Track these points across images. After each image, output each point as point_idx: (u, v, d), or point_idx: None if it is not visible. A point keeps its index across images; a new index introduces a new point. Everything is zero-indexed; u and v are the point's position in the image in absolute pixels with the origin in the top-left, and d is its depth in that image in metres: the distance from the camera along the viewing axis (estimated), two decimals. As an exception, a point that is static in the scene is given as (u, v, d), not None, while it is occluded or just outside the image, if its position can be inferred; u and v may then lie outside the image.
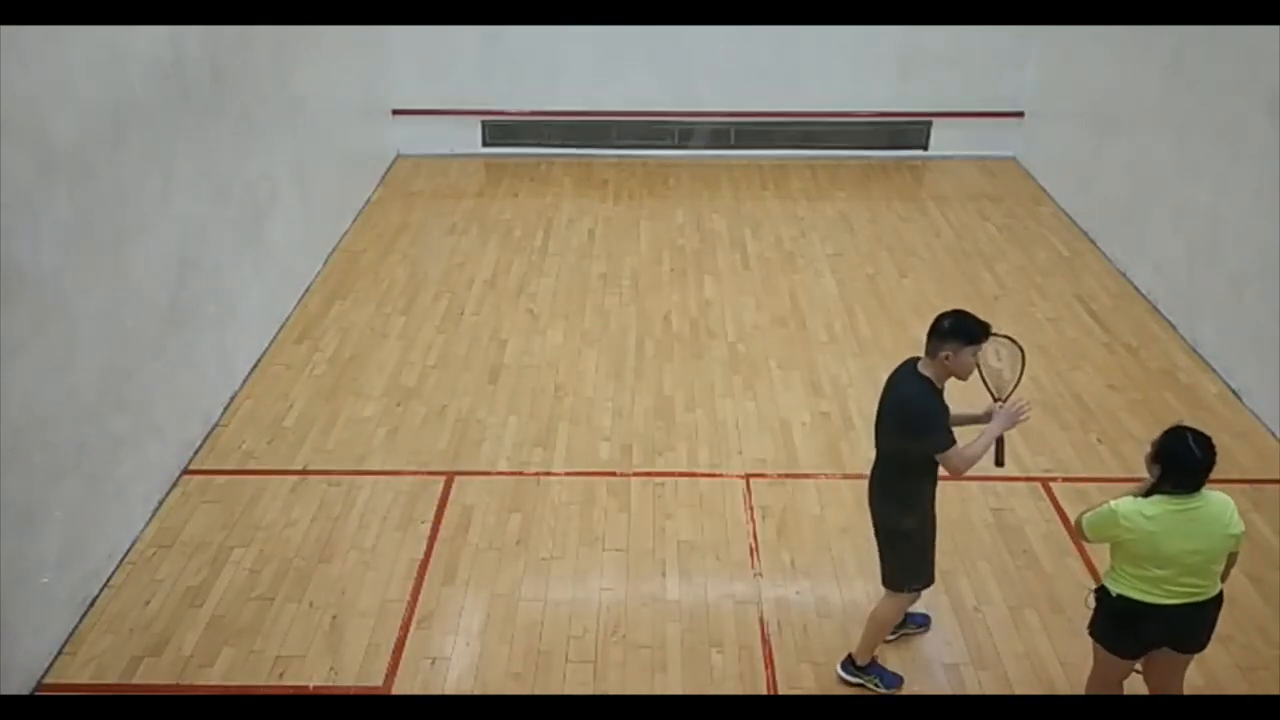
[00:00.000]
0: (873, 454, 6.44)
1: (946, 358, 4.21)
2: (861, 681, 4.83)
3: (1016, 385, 4.52)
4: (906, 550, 4.61)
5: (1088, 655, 4.97)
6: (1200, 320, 7.54)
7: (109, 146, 5.40)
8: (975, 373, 4.37)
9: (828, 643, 5.10)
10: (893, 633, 5.01)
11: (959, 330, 4.20)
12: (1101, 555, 5.60)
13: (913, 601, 4.82)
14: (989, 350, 4.45)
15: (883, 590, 4.71)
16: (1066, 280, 8.57)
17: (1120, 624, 4.13)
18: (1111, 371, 7.31)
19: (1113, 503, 3.97)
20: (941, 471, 4.45)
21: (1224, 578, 4.07)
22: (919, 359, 4.36)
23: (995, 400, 4.49)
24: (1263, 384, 6.77)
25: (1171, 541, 3.87)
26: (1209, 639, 4.18)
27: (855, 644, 4.86)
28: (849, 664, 4.86)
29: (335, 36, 8.96)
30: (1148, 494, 3.93)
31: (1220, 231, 7.30)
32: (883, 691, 4.80)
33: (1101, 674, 4.34)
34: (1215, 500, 3.93)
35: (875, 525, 4.66)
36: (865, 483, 5.69)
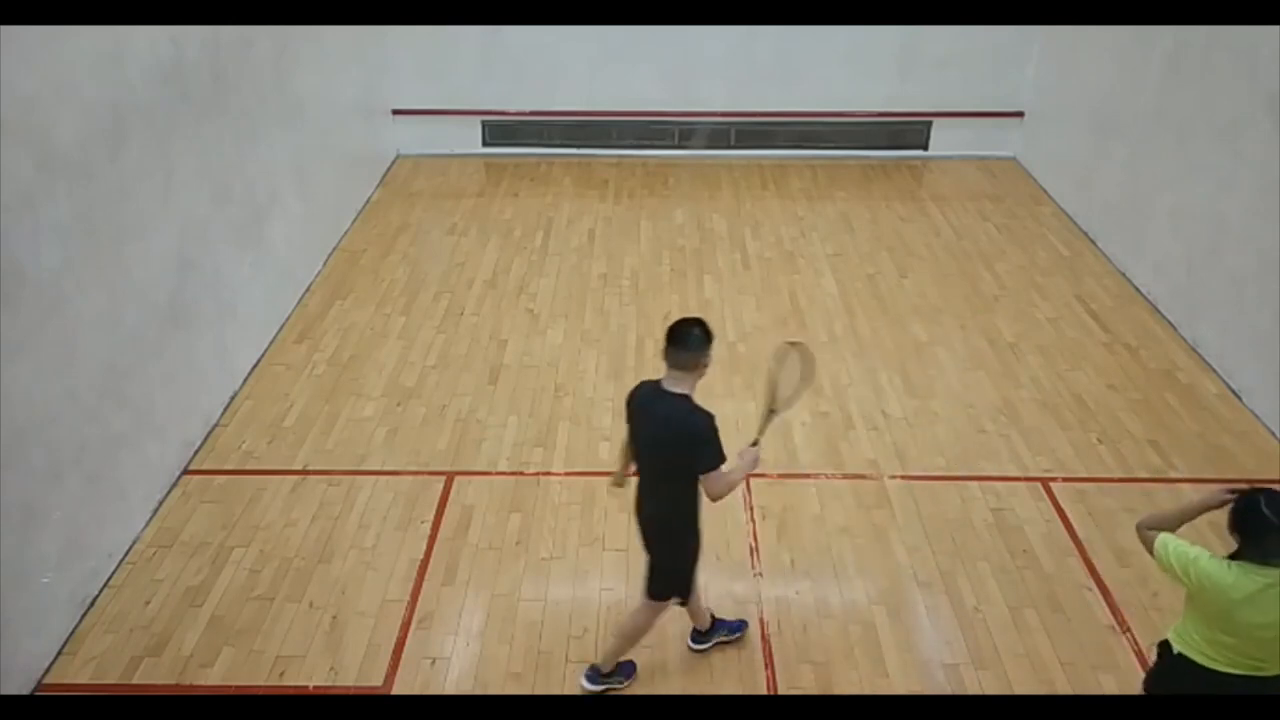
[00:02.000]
0: (872, 454, 6.46)
1: (704, 365, 4.20)
2: (607, 686, 4.81)
3: (773, 413, 4.57)
4: (682, 565, 4.62)
5: (1088, 655, 4.99)
6: (1200, 320, 7.54)
7: (109, 146, 5.40)
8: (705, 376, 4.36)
9: (828, 643, 5.10)
10: (704, 642, 4.99)
11: (708, 335, 4.18)
12: (1102, 555, 5.62)
13: (663, 611, 4.73)
14: (778, 358, 4.51)
15: (640, 599, 4.71)
16: (1066, 280, 8.57)
17: (1172, 683, 3.93)
18: (1111, 371, 7.31)
19: (1199, 551, 3.70)
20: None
21: None
22: (659, 381, 4.26)
23: (770, 411, 4.54)
24: (1263, 384, 6.77)
25: (1246, 612, 3.62)
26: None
27: (699, 617, 4.93)
28: (594, 674, 4.80)
29: (335, 36, 8.96)
30: (1232, 557, 3.67)
31: (1220, 231, 7.30)
32: (627, 685, 4.82)
33: None
34: None
35: (655, 539, 4.59)
36: (865, 483, 5.72)
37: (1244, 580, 3.59)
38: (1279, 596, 3.58)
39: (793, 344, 4.58)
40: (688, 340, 4.15)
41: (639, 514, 4.63)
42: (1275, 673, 3.75)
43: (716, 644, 5.04)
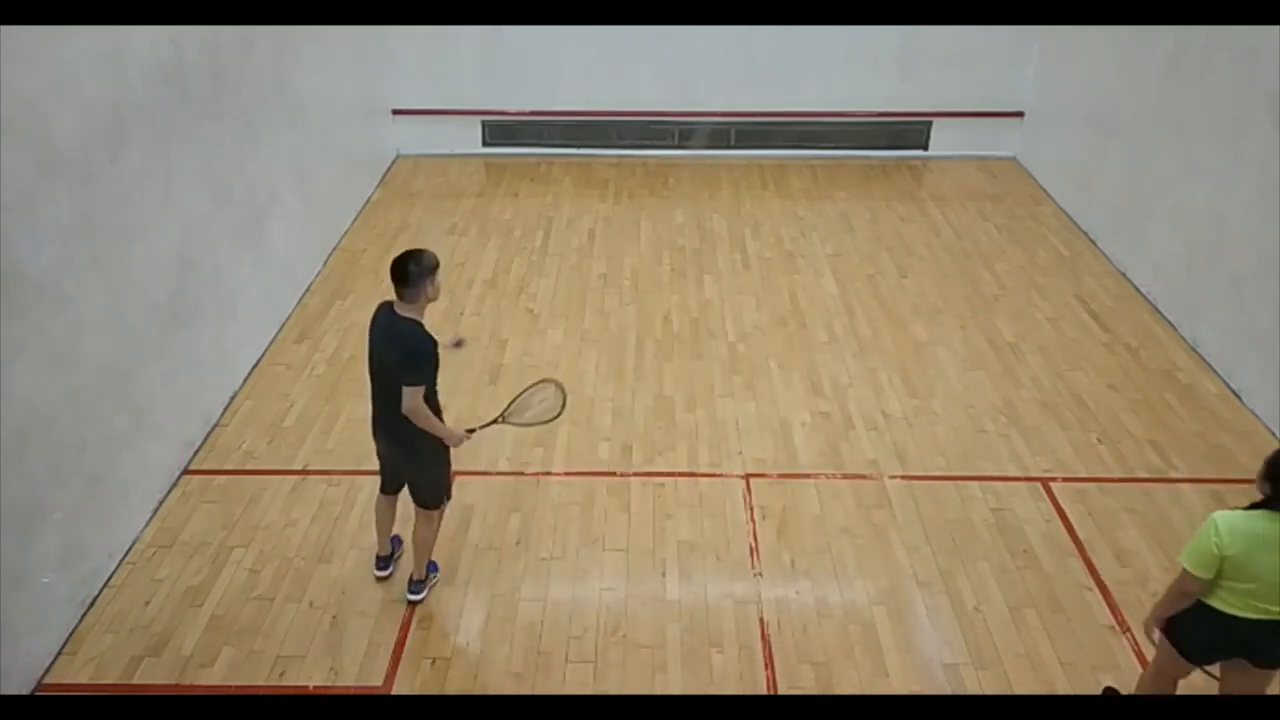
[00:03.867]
0: (872, 454, 6.46)
1: (429, 293, 4.67)
2: (427, 587, 5.33)
3: (501, 419, 5.15)
4: (437, 471, 5.10)
5: (1088, 655, 4.99)
6: (1200, 320, 7.54)
7: (109, 146, 5.40)
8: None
9: (828, 643, 5.10)
10: (384, 569, 5.46)
11: (432, 264, 4.65)
12: (1102, 555, 5.62)
13: (442, 517, 5.31)
14: (537, 386, 5.22)
15: (416, 514, 5.16)
16: (1066, 280, 8.57)
17: (1193, 626, 4.10)
18: (1111, 371, 7.31)
19: (1210, 521, 3.90)
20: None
21: None
22: (392, 303, 4.71)
23: (499, 418, 5.15)
24: (1263, 384, 6.77)
25: (1263, 556, 3.80)
26: None
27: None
28: (416, 585, 5.29)
29: (335, 36, 8.96)
30: (1253, 506, 3.87)
31: (1220, 231, 7.30)
32: (437, 577, 5.41)
33: (1158, 668, 4.35)
34: None
35: (404, 457, 5.02)
36: (865, 483, 5.72)
37: (1264, 525, 3.81)
38: None
39: (555, 383, 5.24)
40: (406, 274, 4.61)
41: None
42: None
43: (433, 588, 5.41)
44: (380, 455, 5.19)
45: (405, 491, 5.20)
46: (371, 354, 4.84)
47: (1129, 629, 5.15)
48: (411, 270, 4.58)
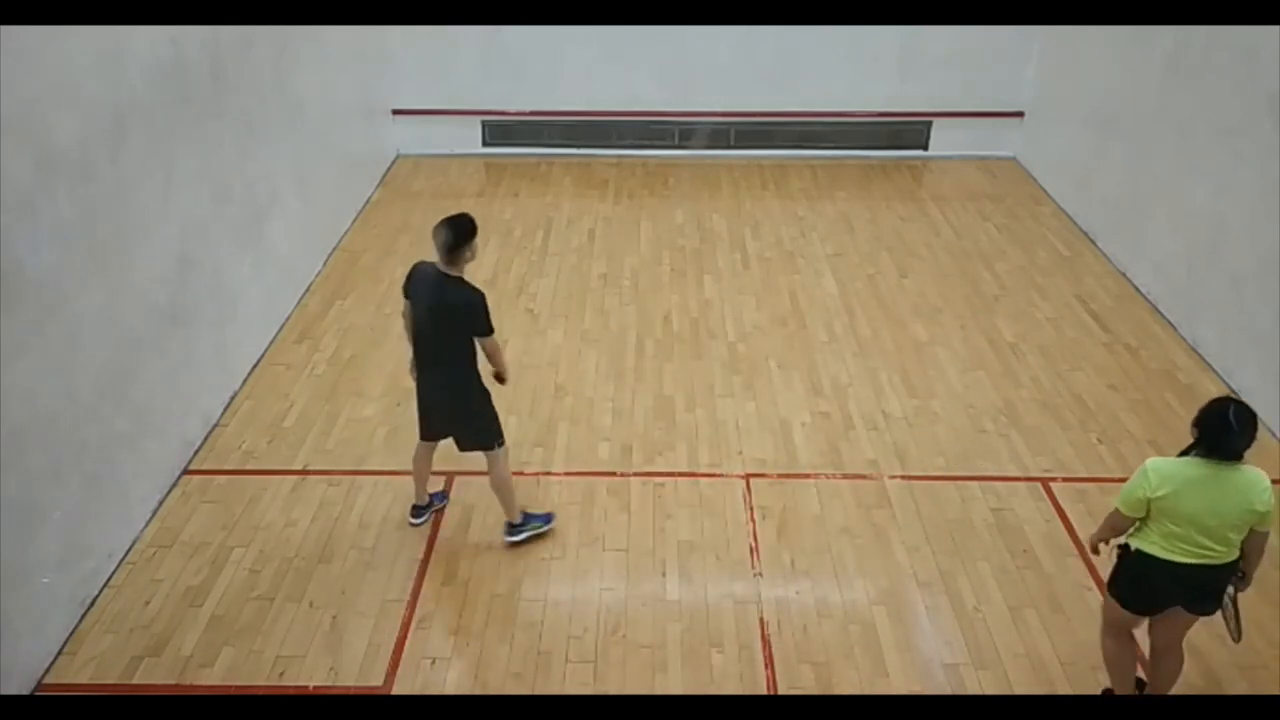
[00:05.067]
0: (872, 454, 6.46)
1: (467, 255, 5.09)
2: (528, 534, 5.65)
3: None
4: (492, 411, 5.42)
5: (1088, 655, 4.99)
6: (1200, 320, 7.54)
7: (109, 146, 5.40)
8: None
9: (828, 642, 5.10)
10: (419, 516, 5.81)
11: (471, 229, 5.12)
12: (1102, 555, 5.62)
13: (507, 455, 5.60)
14: None
15: (485, 458, 5.51)
16: (1066, 280, 8.57)
17: (1134, 579, 4.32)
18: (1111, 371, 7.31)
19: (1143, 466, 4.15)
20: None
21: (1250, 568, 4.24)
22: (433, 263, 5.11)
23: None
24: (1263, 384, 6.77)
25: (1192, 500, 4.03)
26: (1218, 605, 4.37)
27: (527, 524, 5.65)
28: (512, 529, 5.63)
29: (335, 37, 8.96)
30: (1181, 454, 4.11)
31: (1220, 231, 7.30)
32: (545, 529, 5.68)
33: (1107, 621, 4.55)
34: (1248, 473, 4.06)
35: (461, 404, 5.35)
36: (865, 483, 5.70)
37: (1190, 470, 4.05)
38: (1227, 485, 4.01)
39: None
40: (449, 239, 5.04)
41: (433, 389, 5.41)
42: (1228, 560, 4.16)
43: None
44: (426, 405, 5.47)
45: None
46: (418, 310, 5.16)
47: (1129, 629, 5.15)
48: (449, 238, 5.00)
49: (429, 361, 5.31)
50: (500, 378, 5.46)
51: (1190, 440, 4.12)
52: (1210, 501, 4.03)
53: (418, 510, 5.82)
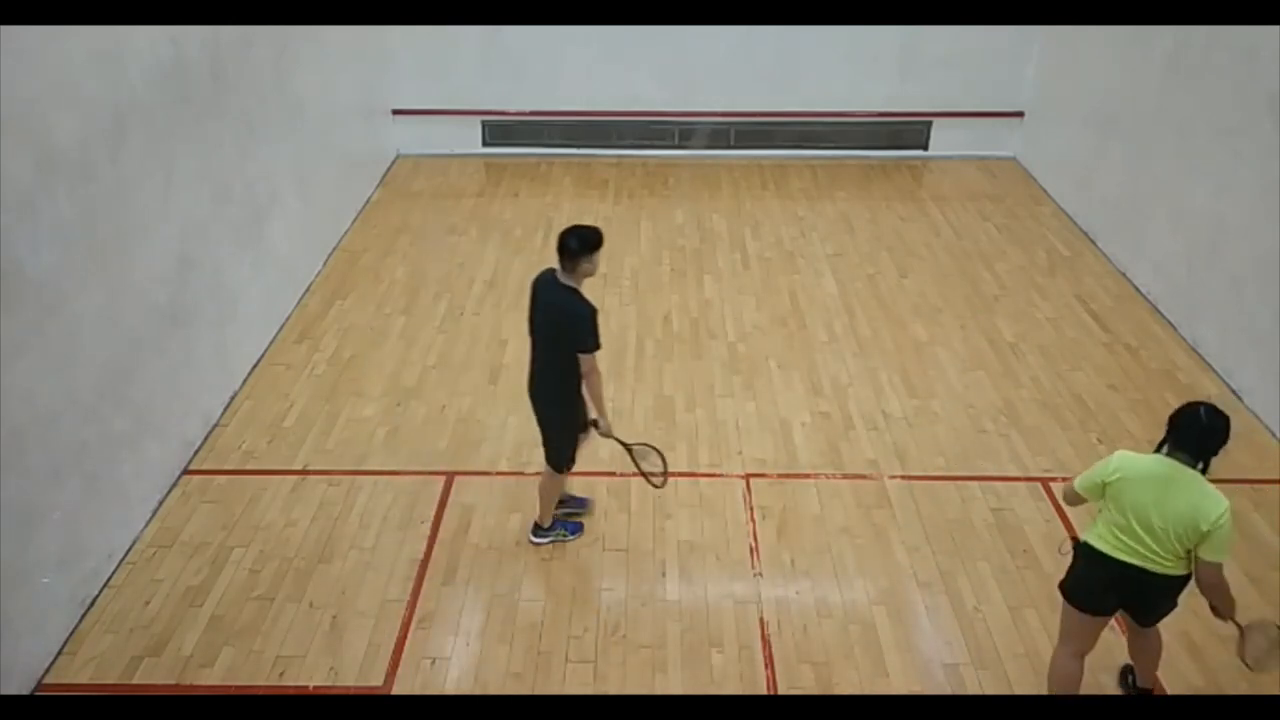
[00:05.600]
0: (872, 454, 6.46)
1: (586, 268, 4.98)
2: (552, 539, 5.67)
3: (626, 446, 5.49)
4: (566, 438, 5.39)
5: (1088, 655, 4.98)
6: (1200, 320, 7.54)
7: (109, 146, 5.40)
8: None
9: (828, 643, 5.10)
10: (569, 532, 5.72)
11: (594, 241, 4.97)
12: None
13: (563, 483, 5.63)
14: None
15: (547, 468, 5.51)
16: (1066, 280, 8.57)
17: (1078, 572, 4.34)
18: (1111, 371, 7.31)
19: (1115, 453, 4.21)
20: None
21: (1217, 605, 4.15)
22: (555, 270, 5.05)
23: (627, 446, 5.49)
24: (1263, 384, 6.77)
25: (1141, 491, 4.04)
26: (1158, 617, 4.36)
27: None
28: (538, 531, 5.65)
29: (335, 36, 8.96)
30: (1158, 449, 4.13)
31: (1220, 231, 7.30)
32: (572, 539, 5.68)
33: (1062, 627, 4.50)
34: (1209, 491, 3.97)
35: (545, 416, 5.36)
36: (865, 483, 5.64)
37: (1152, 465, 4.06)
38: (1181, 489, 3.96)
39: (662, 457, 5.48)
40: (567, 247, 4.94)
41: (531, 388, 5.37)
42: (1169, 572, 4.09)
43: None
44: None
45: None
46: (532, 315, 5.17)
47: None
48: (571, 245, 4.91)
49: (532, 368, 5.29)
50: (595, 424, 5.30)
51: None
52: (1158, 498, 4.00)
53: (572, 521, 5.79)
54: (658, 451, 5.48)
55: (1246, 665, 4.29)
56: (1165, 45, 8.05)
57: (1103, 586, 4.26)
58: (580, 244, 4.91)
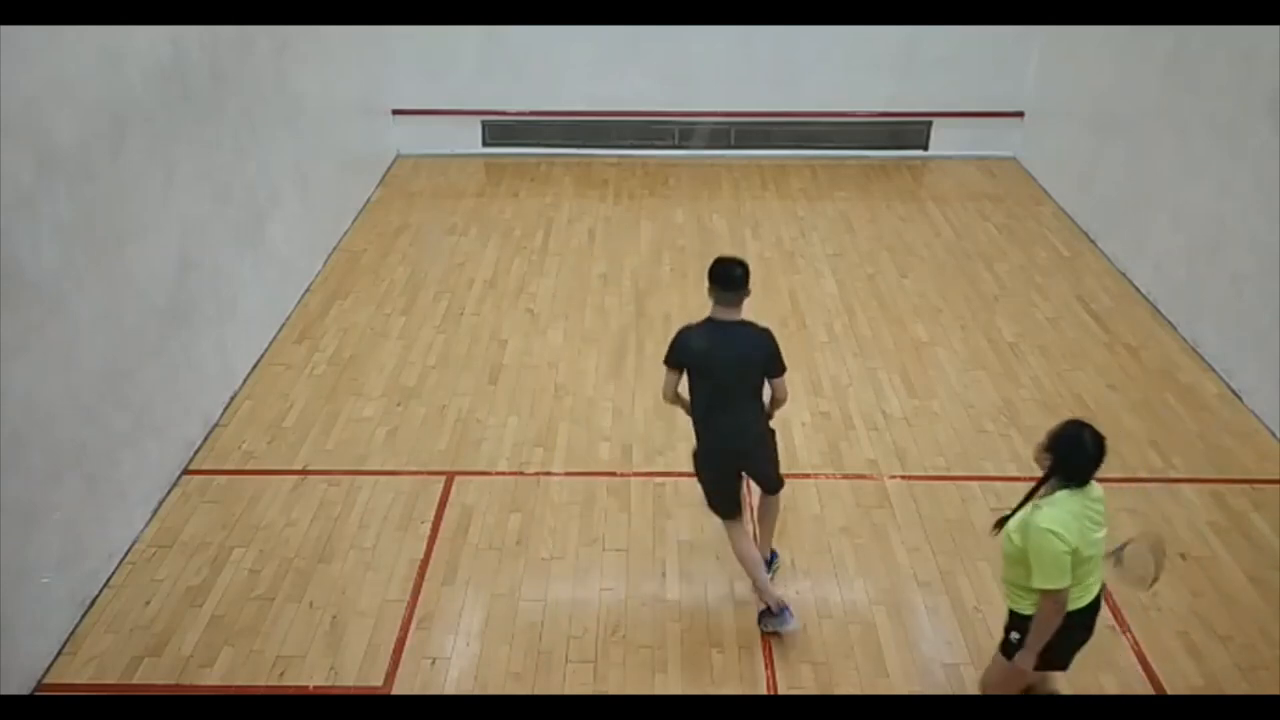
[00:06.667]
0: (872, 454, 6.46)
1: (747, 295, 4.79)
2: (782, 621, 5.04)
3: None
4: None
5: (1088, 655, 4.97)
6: (1200, 320, 7.54)
7: (109, 146, 5.40)
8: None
9: (828, 643, 5.10)
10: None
11: (748, 271, 4.80)
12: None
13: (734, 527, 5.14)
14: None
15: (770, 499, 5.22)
16: (1066, 280, 8.57)
17: (1060, 639, 3.93)
18: (1111, 371, 7.31)
19: (1038, 528, 3.75)
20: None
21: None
22: (710, 320, 4.81)
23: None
24: (1263, 384, 6.76)
25: (1090, 529, 3.81)
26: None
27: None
28: (783, 612, 5.04)
29: (335, 36, 8.96)
30: (1033, 491, 3.85)
31: (1220, 231, 7.30)
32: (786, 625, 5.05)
33: (1013, 685, 4.21)
34: (1094, 486, 3.87)
35: (765, 447, 5.03)
36: (865, 483, 5.62)
37: (1074, 503, 3.78)
38: (1090, 508, 3.80)
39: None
40: (735, 279, 4.75)
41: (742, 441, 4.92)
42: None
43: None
44: (729, 474, 5.05)
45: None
46: (712, 372, 4.78)
47: (1129, 629, 5.15)
48: (739, 274, 4.73)
49: (732, 420, 4.86)
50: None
51: (1044, 474, 3.89)
52: (1099, 527, 3.84)
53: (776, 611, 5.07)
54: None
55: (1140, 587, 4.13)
56: (1165, 45, 8.05)
57: (1080, 636, 4.04)
58: (744, 270, 4.75)
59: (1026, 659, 3.96)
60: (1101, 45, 9.14)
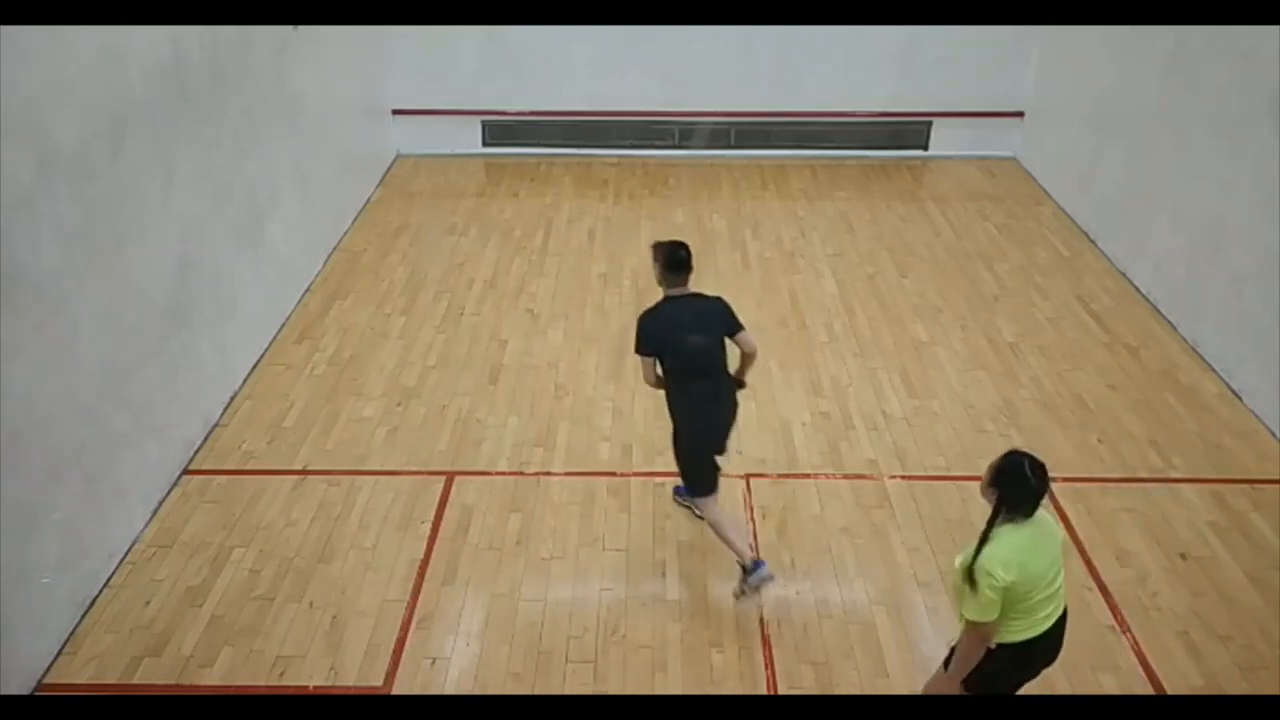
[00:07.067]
0: (872, 454, 6.46)
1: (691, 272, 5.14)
2: (760, 579, 5.13)
3: None
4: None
5: (1088, 655, 4.99)
6: (1200, 320, 7.54)
7: (109, 146, 5.40)
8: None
9: (828, 643, 5.10)
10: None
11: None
12: (1102, 555, 5.62)
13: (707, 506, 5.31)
14: None
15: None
16: (1066, 280, 8.57)
17: (1001, 673, 3.92)
18: (1111, 371, 7.31)
19: (978, 565, 3.68)
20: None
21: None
22: (672, 296, 5.15)
23: None
24: (1263, 384, 6.76)
25: (1036, 560, 3.74)
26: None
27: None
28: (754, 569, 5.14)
29: (335, 36, 8.96)
30: (989, 527, 3.75)
31: (1220, 231, 7.30)
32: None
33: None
34: (1043, 516, 3.84)
35: (734, 409, 5.29)
36: (865, 483, 5.59)
37: (1018, 537, 3.74)
38: (1042, 532, 3.82)
39: None
40: (685, 261, 5.14)
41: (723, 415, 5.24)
42: (1063, 602, 3.93)
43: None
44: (717, 453, 5.27)
45: None
46: (685, 345, 5.04)
47: (1129, 629, 5.15)
48: (684, 256, 5.10)
49: (711, 387, 5.15)
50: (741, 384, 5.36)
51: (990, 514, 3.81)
52: (1046, 554, 3.79)
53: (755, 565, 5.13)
54: None
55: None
56: (1165, 45, 8.05)
57: (1035, 666, 4.00)
58: (688, 251, 5.12)
59: (952, 684, 3.94)
60: (1101, 45, 9.14)
